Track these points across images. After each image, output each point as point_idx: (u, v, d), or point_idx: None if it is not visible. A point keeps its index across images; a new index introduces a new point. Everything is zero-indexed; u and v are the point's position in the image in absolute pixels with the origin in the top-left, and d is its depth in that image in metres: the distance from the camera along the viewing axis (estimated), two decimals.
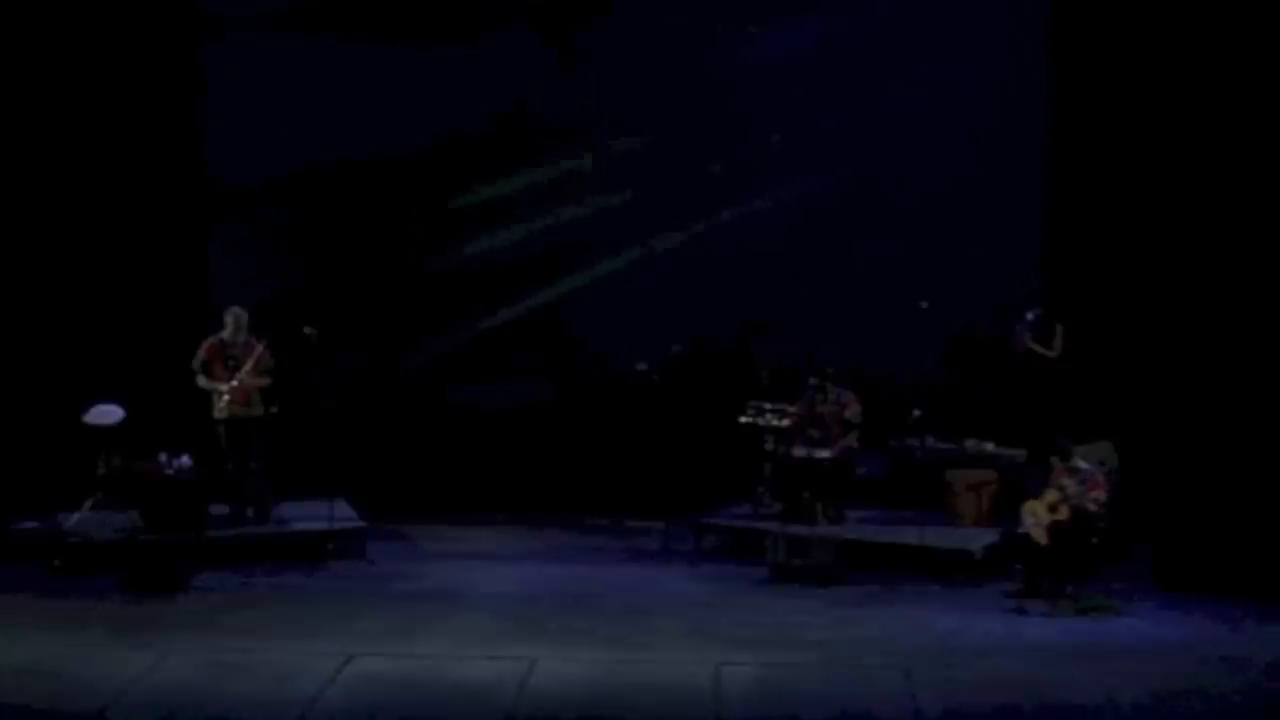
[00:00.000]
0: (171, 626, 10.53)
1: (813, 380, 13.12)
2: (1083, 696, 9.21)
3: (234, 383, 12.23)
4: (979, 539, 12.35)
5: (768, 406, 13.38)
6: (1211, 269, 13.68)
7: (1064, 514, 11.22)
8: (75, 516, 12.20)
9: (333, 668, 9.62)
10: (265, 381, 12.36)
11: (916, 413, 12.55)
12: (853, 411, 13.04)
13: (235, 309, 12.41)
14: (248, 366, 12.26)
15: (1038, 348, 13.59)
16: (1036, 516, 11.33)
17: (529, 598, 11.53)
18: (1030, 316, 13.63)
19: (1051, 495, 11.29)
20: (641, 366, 13.30)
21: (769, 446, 13.27)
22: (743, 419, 13.41)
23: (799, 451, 13.05)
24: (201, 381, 12.30)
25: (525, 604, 11.33)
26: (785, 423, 13.27)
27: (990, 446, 13.35)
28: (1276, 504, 12.06)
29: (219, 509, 12.47)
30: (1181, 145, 13.72)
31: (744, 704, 9.18)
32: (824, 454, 12.92)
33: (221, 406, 12.27)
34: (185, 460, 12.26)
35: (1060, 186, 14.20)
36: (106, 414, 12.53)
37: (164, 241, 13.91)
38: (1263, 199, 13.62)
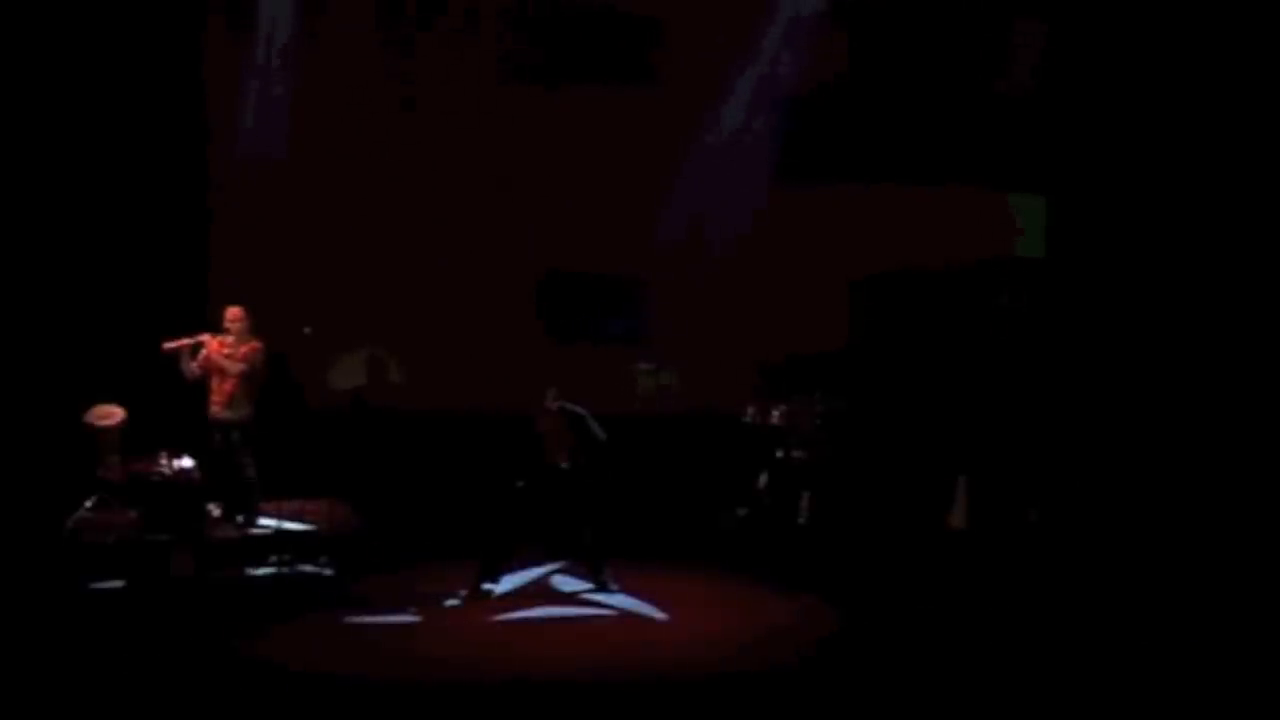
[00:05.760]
0: (172, 627, 10.53)
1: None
2: None
3: (201, 342, 12.19)
4: None
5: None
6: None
7: None
8: (75, 516, 12.19)
9: (334, 669, 9.64)
10: (243, 370, 12.20)
11: None
12: None
13: (233, 308, 12.39)
14: (226, 351, 12.21)
15: None
16: None
17: (529, 596, 11.54)
18: None
19: None
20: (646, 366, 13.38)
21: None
22: (744, 419, 13.46)
23: (797, 452, 13.10)
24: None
25: (525, 603, 11.35)
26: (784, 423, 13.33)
27: None
28: None
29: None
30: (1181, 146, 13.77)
31: None
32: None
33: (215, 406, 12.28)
34: (185, 460, 12.25)
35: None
36: (107, 414, 12.56)
37: (164, 240, 13.91)
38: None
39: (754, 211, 14.54)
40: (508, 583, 11.68)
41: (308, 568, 11.92)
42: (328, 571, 11.87)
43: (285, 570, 11.85)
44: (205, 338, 12.23)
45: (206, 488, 12.26)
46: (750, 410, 13.62)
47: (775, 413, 13.54)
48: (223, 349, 12.25)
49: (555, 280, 14.82)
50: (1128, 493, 13.28)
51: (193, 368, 12.21)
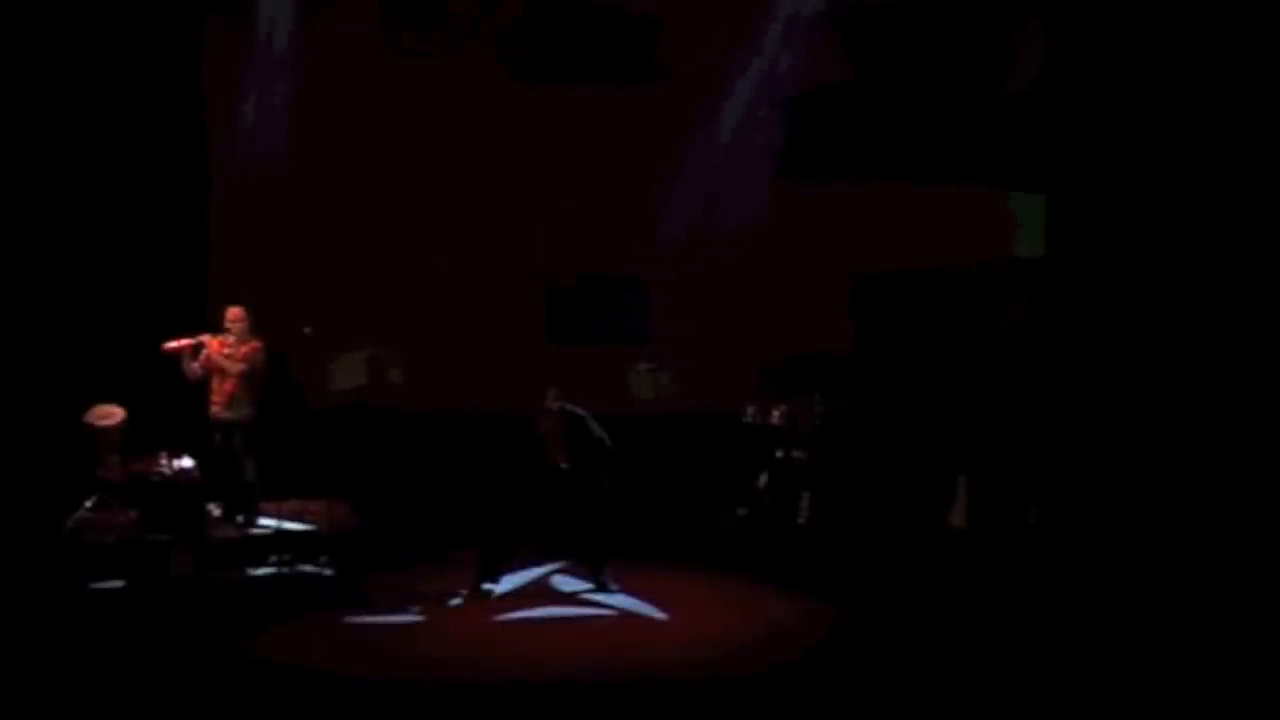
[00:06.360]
0: (172, 627, 10.52)
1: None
2: None
3: (202, 342, 12.20)
4: None
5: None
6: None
7: None
8: (75, 516, 12.19)
9: (335, 669, 9.63)
10: (244, 370, 12.20)
11: None
12: None
13: (234, 308, 12.38)
14: (226, 351, 12.20)
15: None
16: None
17: (529, 596, 11.54)
18: None
19: None
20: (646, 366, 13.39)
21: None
22: (744, 419, 13.47)
23: (797, 452, 13.10)
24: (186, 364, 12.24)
25: (525, 603, 11.34)
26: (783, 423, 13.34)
27: None
28: None
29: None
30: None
31: None
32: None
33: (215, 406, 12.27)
34: (185, 460, 12.24)
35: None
36: (107, 414, 12.56)
37: (164, 240, 13.90)
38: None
39: (754, 211, 14.52)
40: (508, 583, 11.68)
41: (308, 568, 11.91)
42: (328, 571, 11.86)
43: (285, 570, 11.84)
44: (206, 338, 12.23)
45: (206, 488, 12.24)
46: (750, 410, 13.63)
47: (775, 413, 13.54)
48: (223, 349, 12.24)
49: (556, 280, 14.82)
50: (1128, 492, 13.27)
51: (194, 368, 12.20)
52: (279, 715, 9.00)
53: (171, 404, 12.54)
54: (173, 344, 12.17)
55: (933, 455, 13.75)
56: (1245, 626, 10.49)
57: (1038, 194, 14.70)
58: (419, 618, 10.95)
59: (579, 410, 11.61)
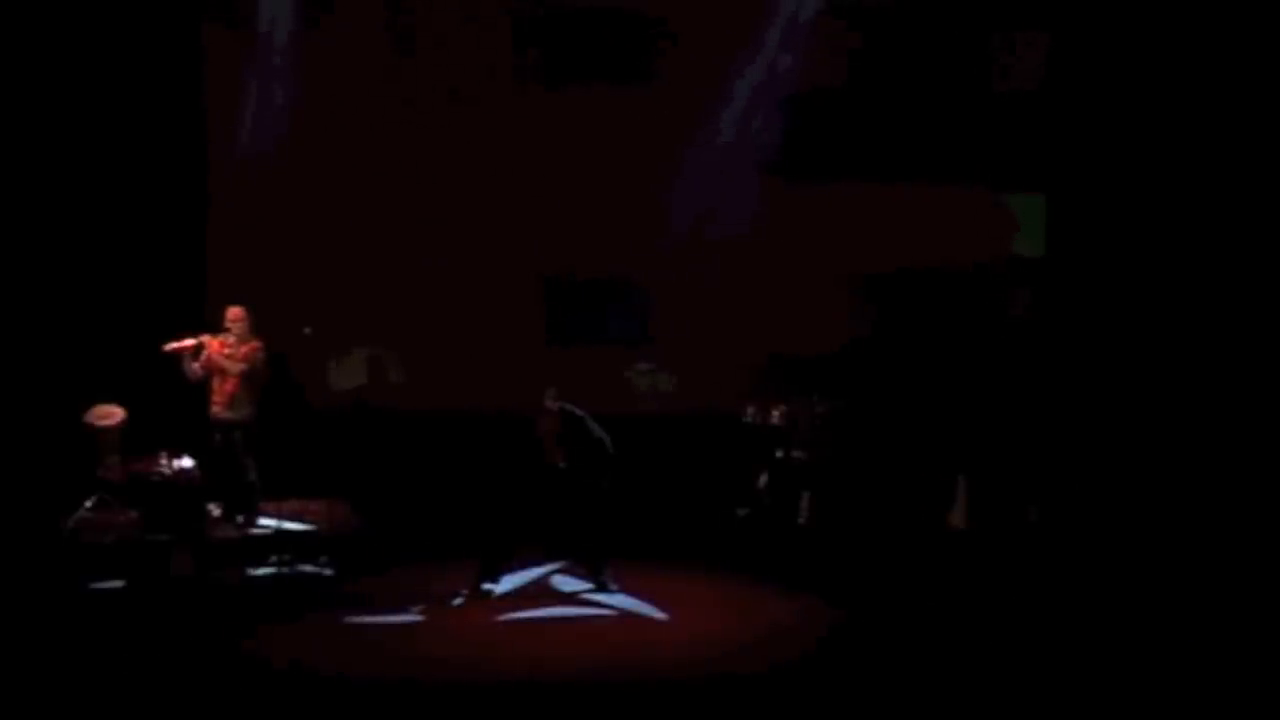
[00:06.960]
0: (172, 627, 10.52)
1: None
2: None
3: (203, 343, 12.18)
4: None
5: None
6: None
7: None
8: (75, 516, 12.19)
9: (335, 669, 9.64)
10: (244, 370, 12.22)
11: None
12: None
13: (234, 308, 12.38)
14: (227, 351, 12.19)
15: None
16: None
17: (529, 596, 11.55)
18: None
19: None
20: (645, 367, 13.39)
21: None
22: (744, 419, 13.47)
23: (797, 452, 13.11)
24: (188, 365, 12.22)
25: (525, 603, 11.35)
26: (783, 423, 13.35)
27: None
28: None
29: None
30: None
31: None
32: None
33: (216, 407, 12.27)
34: (185, 460, 12.24)
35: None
36: (107, 414, 12.56)
37: (164, 240, 13.90)
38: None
39: (754, 211, 14.52)
40: (508, 583, 11.68)
41: (308, 568, 11.92)
42: (328, 571, 11.86)
43: (285, 570, 11.85)
44: (206, 338, 12.23)
45: (206, 488, 12.25)
46: (750, 410, 13.63)
47: (775, 413, 13.55)
48: (223, 349, 12.25)
49: (555, 280, 14.82)
50: (1128, 492, 13.28)
51: (195, 369, 12.21)
52: (279, 715, 9.01)
53: (171, 404, 12.54)
54: (173, 344, 12.17)
55: (933, 455, 13.76)
56: (1245, 625, 10.49)
57: (1038, 194, 14.70)
58: (419, 618, 10.94)
59: (578, 411, 11.61)
